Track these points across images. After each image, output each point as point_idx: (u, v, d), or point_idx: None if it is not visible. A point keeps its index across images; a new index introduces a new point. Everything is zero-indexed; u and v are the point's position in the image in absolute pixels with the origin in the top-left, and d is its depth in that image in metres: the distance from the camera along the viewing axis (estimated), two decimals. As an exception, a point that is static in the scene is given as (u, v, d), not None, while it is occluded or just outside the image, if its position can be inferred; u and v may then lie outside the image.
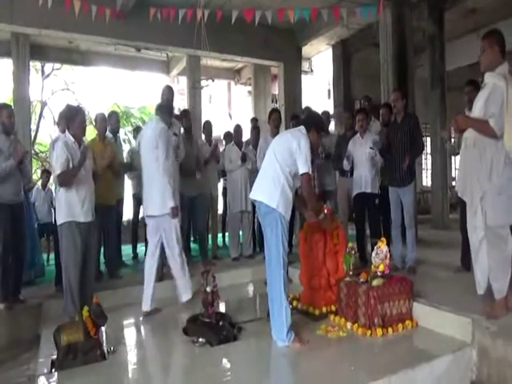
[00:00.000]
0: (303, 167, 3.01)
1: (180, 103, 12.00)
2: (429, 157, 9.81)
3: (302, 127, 3.21)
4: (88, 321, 2.92)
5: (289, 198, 3.05)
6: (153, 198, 3.83)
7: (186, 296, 3.95)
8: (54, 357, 2.88)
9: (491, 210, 2.83)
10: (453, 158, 9.03)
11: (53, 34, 7.46)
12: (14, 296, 4.01)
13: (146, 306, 3.85)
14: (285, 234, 3.00)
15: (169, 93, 4.69)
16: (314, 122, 3.26)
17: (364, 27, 8.66)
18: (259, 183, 3.14)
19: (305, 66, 10.53)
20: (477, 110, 2.92)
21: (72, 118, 3.65)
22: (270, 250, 2.99)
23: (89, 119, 5.15)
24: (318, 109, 6.07)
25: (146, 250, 5.86)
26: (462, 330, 2.92)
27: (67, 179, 3.53)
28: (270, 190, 3.00)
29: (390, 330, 3.12)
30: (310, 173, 3.06)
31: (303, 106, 7.41)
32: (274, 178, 3.02)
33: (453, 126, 3.14)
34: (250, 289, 4.81)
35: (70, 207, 3.53)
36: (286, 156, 3.05)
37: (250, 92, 11.62)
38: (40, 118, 12.65)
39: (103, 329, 3.16)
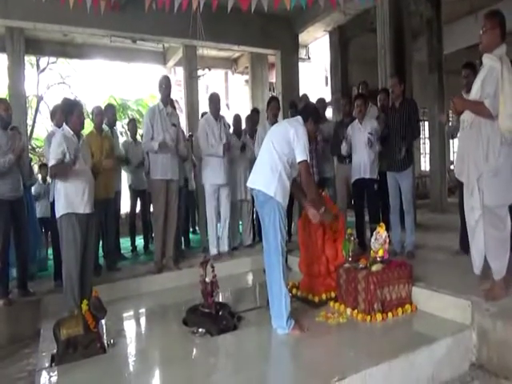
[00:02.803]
0: (301, 155, 2.99)
1: (177, 94, 11.92)
2: (427, 141, 9.77)
3: (299, 117, 3.20)
4: (87, 314, 2.91)
5: (286, 186, 3.04)
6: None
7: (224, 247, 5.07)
8: (54, 351, 2.87)
9: (488, 190, 2.84)
10: (451, 141, 8.99)
11: (47, 28, 7.40)
12: (22, 288, 4.04)
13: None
14: (282, 221, 2.98)
15: (167, 83, 4.63)
16: (311, 113, 3.24)
17: (361, 12, 8.57)
18: (256, 171, 3.13)
19: (302, 53, 10.43)
20: (474, 92, 2.95)
21: (70, 111, 3.62)
22: (268, 238, 2.98)
23: (86, 112, 5.09)
24: (316, 96, 6.03)
25: (144, 243, 5.94)
26: (462, 312, 2.92)
27: (60, 172, 3.51)
28: (268, 179, 2.99)
29: (389, 314, 3.13)
30: (309, 161, 3.04)
31: (301, 94, 7.33)
32: (272, 166, 3.00)
33: (451, 109, 3.14)
34: (250, 278, 4.82)
35: (70, 199, 3.50)
36: (284, 145, 3.03)
37: (247, 81, 11.53)
38: (36, 113, 12.56)
39: (103, 322, 3.17)
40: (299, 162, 3.01)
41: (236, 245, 5.51)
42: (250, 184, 3.14)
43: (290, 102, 6.07)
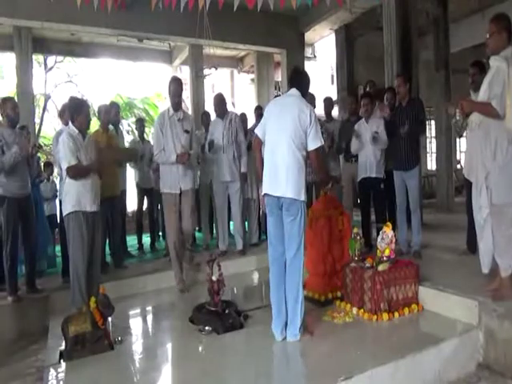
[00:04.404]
0: (317, 142, 2.85)
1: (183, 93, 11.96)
2: (433, 140, 9.72)
3: (299, 94, 2.97)
4: (95, 311, 2.94)
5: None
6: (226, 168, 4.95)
7: (239, 246, 5.14)
8: (63, 347, 2.91)
9: (496, 188, 2.86)
10: (458, 140, 8.95)
11: (55, 27, 7.46)
12: (30, 285, 4.07)
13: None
14: (306, 221, 2.91)
15: (175, 87, 4.16)
16: (307, 84, 3.08)
17: (367, 11, 8.51)
18: (282, 178, 2.81)
19: (308, 51, 10.41)
20: (481, 93, 2.98)
21: (78, 110, 3.64)
22: (291, 239, 2.83)
23: (92, 111, 5.12)
24: (322, 94, 6.02)
25: (151, 241, 5.97)
26: (469, 312, 2.91)
27: (79, 173, 3.55)
28: (297, 183, 2.80)
29: (396, 314, 3.12)
30: (323, 142, 2.93)
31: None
32: (298, 168, 2.82)
33: (458, 110, 3.17)
34: (256, 276, 4.82)
35: (77, 197, 3.54)
36: (303, 137, 2.84)
37: (252, 80, 11.54)
38: (44, 111, 12.69)
39: (110, 319, 3.18)
40: (316, 149, 2.87)
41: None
42: (278, 193, 2.82)
43: None
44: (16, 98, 5.68)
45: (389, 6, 6.47)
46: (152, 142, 4.46)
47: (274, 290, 2.92)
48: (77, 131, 3.62)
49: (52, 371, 2.69)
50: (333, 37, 10.10)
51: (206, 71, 8.84)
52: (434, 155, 9.12)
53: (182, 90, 4.23)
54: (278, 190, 2.83)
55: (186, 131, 4.18)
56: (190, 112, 8.78)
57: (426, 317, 3.17)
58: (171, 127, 4.12)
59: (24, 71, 7.55)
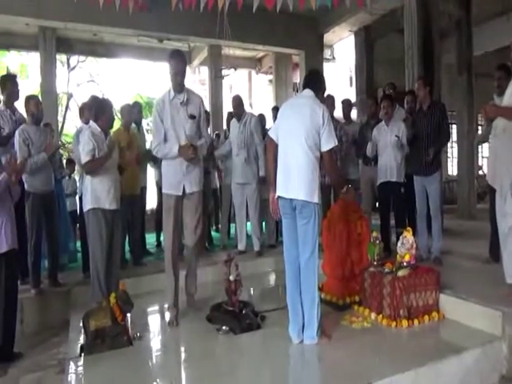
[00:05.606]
0: (331, 143, 2.79)
1: (201, 93, 12.05)
2: (455, 145, 9.58)
3: (312, 95, 2.92)
4: (115, 307, 2.98)
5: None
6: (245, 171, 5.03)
7: (256, 247, 5.16)
8: (83, 341, 2.97)
9: None
10: (479, 146, 8.79)
11: (78, 27, 7.61)
12: (52, 279, 4.17)
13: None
14: (320, 223, 2.87)
15: (179, 61, 3.36)
16: (324, 87, 3.05)
17: (388, 12, 8.46)
18: (295, 179, 2.76)
19: (327, 53, 10.40)
20: (506, 97, 2.94)
21: (102, 110, 3.70)
22: (305, 242, 2.77)
23: (114, 110, 5.19)
24: (340, 96, 5.98)
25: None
26: (492, 322, 2.84)
27: (94, 167, 3.61)
28: (310, 185, 2.74)
29: (415, 321, 3.07)
30: (337, 143, 2.88)
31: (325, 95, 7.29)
32: (312, 169, 2.76)
33: (482, 116, 3.12)
34: (273, 278, 4.82)
35: (96, 194, 3.60)
36: (316, 137, 2.78)
37: (270, 81, 11.56)
38: (66, 110, 12.96)
39: (129, 315, 3.22)
40: (328, 150, 2.80)
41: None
42: (291, 195, 2.76)
43: None
44: (40, 97, 5.79)
45: (410, 7, 6.40)
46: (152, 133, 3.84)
47: (289, 293, 2.91)
48: (99, 130, 3.68)
49: (73, 364, 2.74)
50: (352, 38, 10.05)
51: (224, 72, 8.89)
52: (456, 160, 8.98)
53: (185, 65, 3.42)
54: (291, 191, 2.77)
55: (192, 116, 3.38)
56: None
57: (446, 325, 3.11)
58: (172, 113, 3.36)
59: (48, 70, 7.73)
